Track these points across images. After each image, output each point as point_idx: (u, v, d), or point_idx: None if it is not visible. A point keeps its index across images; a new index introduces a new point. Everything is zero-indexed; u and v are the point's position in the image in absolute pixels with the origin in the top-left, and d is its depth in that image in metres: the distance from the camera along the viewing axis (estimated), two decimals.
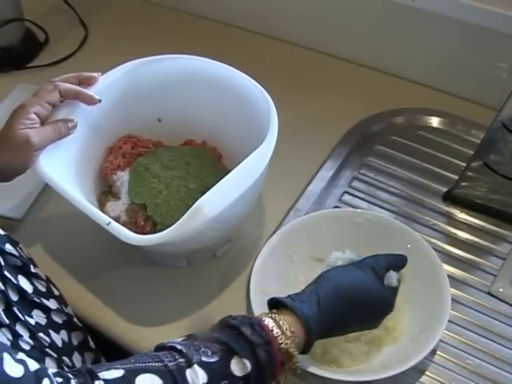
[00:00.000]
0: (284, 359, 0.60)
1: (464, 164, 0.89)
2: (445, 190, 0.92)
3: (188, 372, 0.54)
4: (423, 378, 0.74)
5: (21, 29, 1.13)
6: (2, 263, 0.60)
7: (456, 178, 0.90)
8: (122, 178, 0.82)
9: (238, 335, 0.58)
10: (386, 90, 1.06)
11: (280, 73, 1.05)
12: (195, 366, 0.54)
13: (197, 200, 0.69)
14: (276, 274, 0.79)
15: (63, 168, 0.76)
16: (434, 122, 1.01)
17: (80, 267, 0.84)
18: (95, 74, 0.80)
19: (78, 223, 0.83)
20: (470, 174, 0.87)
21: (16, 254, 0.64)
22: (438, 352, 0.76)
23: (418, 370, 0.74)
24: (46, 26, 1.18)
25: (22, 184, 0.91)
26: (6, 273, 0.60)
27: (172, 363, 0.54)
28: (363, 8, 1.03)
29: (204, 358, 0.55)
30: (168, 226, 0.68)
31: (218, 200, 0.68)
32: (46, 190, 0.91)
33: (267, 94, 0.78)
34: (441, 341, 0.76)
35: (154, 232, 0.76)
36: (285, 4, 1.11)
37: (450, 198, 0.91)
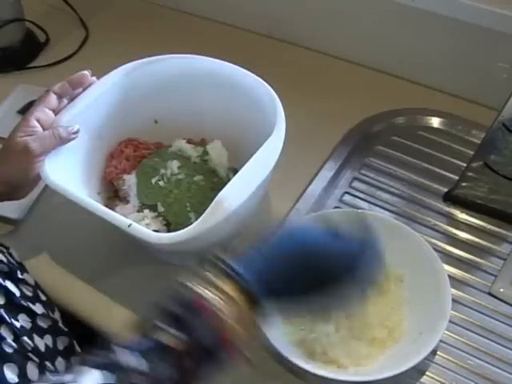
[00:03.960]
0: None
1: (464, 164, 0.89)
2: (445, 190, 0.92)
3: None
4: (424, 379, 0.74)
5: (21, 29, 1.13)
6: None
7: (456, 178, 0.90)
8: (129, 181, 0.82)
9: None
10: (386, 90, 1.06)
11: (280, 73, 1.05)
12: None
13: (208, 196, 0.70)
14: None
15: (70, 176, 0.77)
16: (435, 122, 1.01)
17: (81, 267, 0.84)
18: (84, 72, 0.78)
19: (79, 224, 0.83)
20: (470, 174, 0.87)
21: (4, 259, 0.64)
22: (438, 352, 0.76)
23: (419, 370, 0.74)
24: (47, 26, 1.18)
25: None
26: None
27: None
28: (363, 8, 1.03)
29: None
30: (181, 224, 0.68)
31: (238, 193, 0.69)
32: (46, 191, 0.91)
33: (269, 87, 0.79)
34: (441, 341, 0.76)
35: (168, 231, 0.77)
36: (285, 5, 1.11)
37: (451, 199, 0.91)
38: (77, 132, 0.75)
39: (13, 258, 0.67)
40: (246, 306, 0.54)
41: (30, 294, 0.66)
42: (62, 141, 0.74)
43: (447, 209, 0.91)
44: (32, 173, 0.72)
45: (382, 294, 0.78)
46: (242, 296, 0.54)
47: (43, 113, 0.74)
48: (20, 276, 0.65)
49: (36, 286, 0.69)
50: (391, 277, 0.78)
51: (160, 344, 0.50)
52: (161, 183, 0.81)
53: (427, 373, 0.74)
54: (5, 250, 0.66)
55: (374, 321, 0.75)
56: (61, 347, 0.67)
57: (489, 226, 0.88)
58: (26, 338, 0.60)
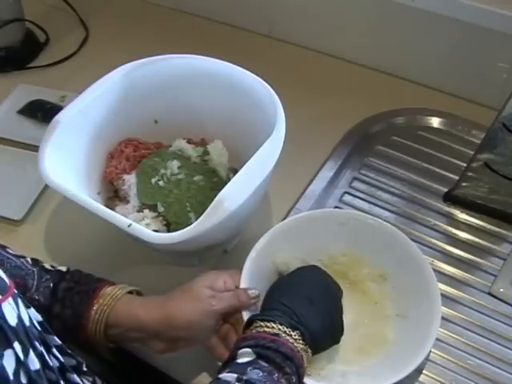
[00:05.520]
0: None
1: (464, 164, 0.89)
2: (445, 190, 0.92)
3: None
4: (423, 378, 0.74)
5: (21, 29, 1.13)
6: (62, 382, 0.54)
7: (456, 178, 0.90)
8: (129, 181, 0.83)
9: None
10: (386, 90, 1.06)
11: (280, 73, 1.05)
12: None
13: (208, 196, 0.70)
14: (263, 278, 0.76)
15: (70, 176, 0.76)
16: (435, 122, 1.01)
17: (81, 268, 0.84)
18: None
19: (79, 224, 0.83)
20: (470, 174, 0.87)
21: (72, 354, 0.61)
22: (438, 352, 0.76)
23: (418, 370, 0.74)
24: (47, 26, 1.18)
25: (21, 185, 0.92)
26: None
27: None
28: (364, 8, 1.03)
29: None
30: (181, 224, 0.68)
31: (238, 193, 0.69)
32: (46, 191, 0.92)
33: (269, 87, 0.79)
34: (441, 341, 0.76)
35: (168, 231, 0.77)
36: (285, 4, 1.11)
37: (451, 199, 0.91)
38: (257, 297, 0.71)
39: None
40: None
41: None
42: (242, 304, 0.70)
43: (447, 209, 0.91)
44: (200, 325, 0.69)
45: (366, 292, 0.78)
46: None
47: (230, 278, 0.73)
48: (84, 368, 0.62)
49: (93, 373, 0.65)
50: (374, 275, 0.79)
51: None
52: (161, 183, 0.81)
53: (427, 373, 0.75)
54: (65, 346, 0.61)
55: (358, 319, 0.75)
56: None
57: (489, 226, 0.88)
58: None
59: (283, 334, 0.62)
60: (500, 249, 0.86)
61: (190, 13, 1.23)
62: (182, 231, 0.68)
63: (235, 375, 0.57)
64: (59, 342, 0.56)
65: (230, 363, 0.60)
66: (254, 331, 0.63)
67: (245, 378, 0.56)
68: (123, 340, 0.70)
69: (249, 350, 0.60)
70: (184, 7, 1.23)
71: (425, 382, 0.74)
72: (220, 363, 0.65)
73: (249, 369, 0.58)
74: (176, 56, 0.86)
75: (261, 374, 0.57)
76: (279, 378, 0.58)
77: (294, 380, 0.59)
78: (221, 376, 0.58)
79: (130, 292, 0.71)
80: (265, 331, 0.62)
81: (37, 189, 0.91)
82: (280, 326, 0.62)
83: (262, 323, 0.63)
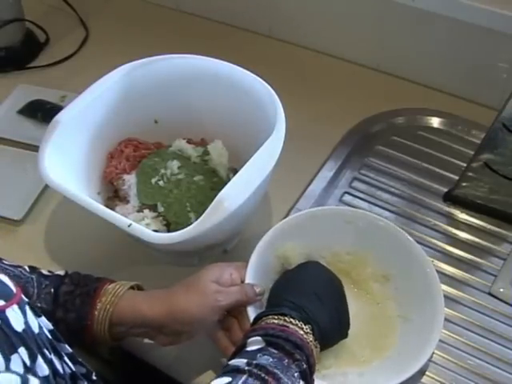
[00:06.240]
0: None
1: (464, 164, 0.89)
2: (445, 190, 0.92)
3: None
4: (423, 378, 0.74)
5: (21, 29, 1.13)
6: None
7: (456, 178, 0.90)
8: (129, 181, 0.83)
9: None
10: (386, 90, 1.06)
11: (280, 73, 1.05)
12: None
13: (208, 196, 0.70)
14: (268, 273, 0.77)
15: (70, 176, 0.77)
16: (435, 122, 1.01)
17: (81, 268, 0.84)
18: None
19: (79, 224, 0.83)
20: (470, 174, 0.87)
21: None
22: (438, 352, 0.76)
23: (419, 370, 0.73)
24: (47, 26, 1.18)
25: (21, 185, 0.92)
26: None
27: None
28: (363, 8, 1.03)
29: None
30: (181, 224, 0.67)
31: (238, 193, 0.69)
32: (46, 191, 0.92)
33: (269, 87, 0.79)
34: (441, 341, 0.76)
35: (168, 231, 0.77)
36: (285, 4, 1.11)
37: (451, 199, 0.91)
38: (262, 294, 0.72)
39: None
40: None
41: None
42: (248, 299, 0.71)
43: (447, 209, 0.91)
44: (204, 320, 0.69)
45: (369, 292, 0.78)
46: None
47: (236, 271, 0.73)
48: (94, 377, 0.62)
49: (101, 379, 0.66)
50: (378, 275, 0.79)
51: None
52: (161, 183, 0.82)
53: (427, 373, 0.74)
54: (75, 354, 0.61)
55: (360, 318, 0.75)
56: None
57: (489, 226, 0.88)
58: None
59: (292, 326, 0.62)
60: (500, 249, 0.86)
61: (190, 13, 1.23)
62: (181, 231, 0.68)
63: (245, 360, 0.57)
64: (70, 350, 0.56)
65: (239, 352, 0.60)
66: (263, 323, 0.63)
67: (255, 362, 0.57)
68: (126, 336, 0.70)
69: (258, 338, 0.60)
70: (184, 7, 1.23)
71: (425, 382, 0.74)
72: (223, 359, 0.65)
73: (259, 355, 0.58)
74: (176, 56, 0.86)
75: (271, 359, 0.58)
76: (289, 363, 0.58)
77: (304, 366, 0.59)
78: (230, 362, 0.58)
79: (131, 287, 0.71)
80: (273, 323, 0.63)
81: (37, 189, 0.91)
82: (292, 319, 0.63)
83: (271, 316, 0.64)
